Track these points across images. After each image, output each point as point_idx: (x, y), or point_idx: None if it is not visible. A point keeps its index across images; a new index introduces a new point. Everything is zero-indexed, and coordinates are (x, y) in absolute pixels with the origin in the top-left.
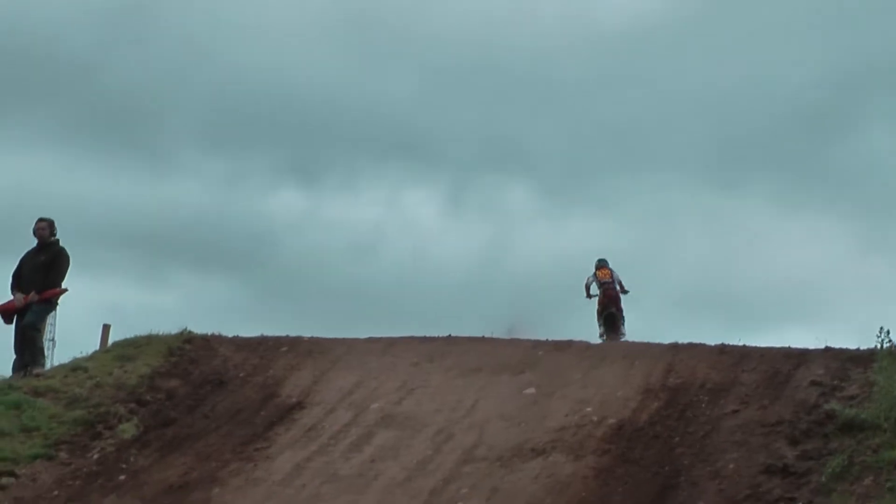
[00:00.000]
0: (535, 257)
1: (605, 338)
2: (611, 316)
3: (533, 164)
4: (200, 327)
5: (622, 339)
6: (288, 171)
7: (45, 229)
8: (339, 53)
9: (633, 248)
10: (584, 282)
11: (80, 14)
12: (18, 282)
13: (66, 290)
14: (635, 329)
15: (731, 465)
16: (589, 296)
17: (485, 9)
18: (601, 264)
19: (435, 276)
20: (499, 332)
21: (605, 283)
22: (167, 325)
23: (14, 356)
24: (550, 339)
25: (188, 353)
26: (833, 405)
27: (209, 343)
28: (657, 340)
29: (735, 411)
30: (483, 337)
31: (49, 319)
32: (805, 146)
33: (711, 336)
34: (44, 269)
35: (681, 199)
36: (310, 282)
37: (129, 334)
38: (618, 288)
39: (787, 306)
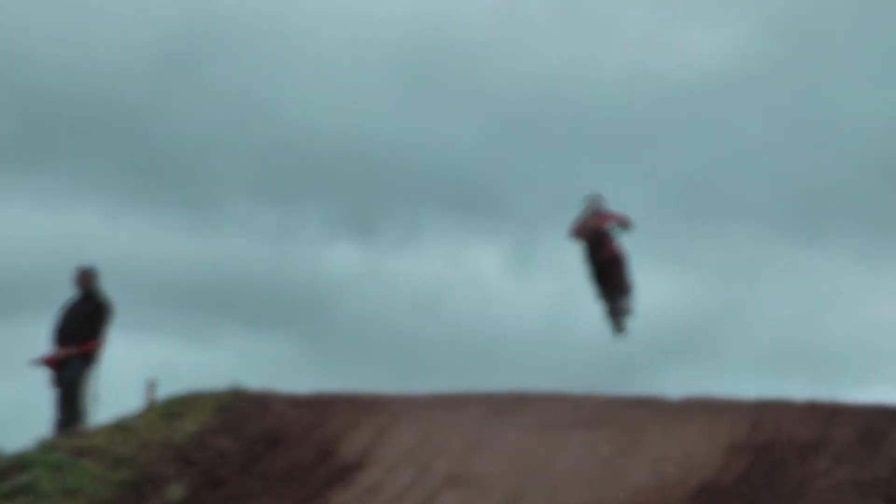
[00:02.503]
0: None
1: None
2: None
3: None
4: (253, 385)
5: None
6: (344, 223)
7: (85, 279)
8: (400, 101)
9: (711, 303)
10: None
11: (128, 64)
12: (59, 334)
13: (103, 344)
14: (715, 385)
15: None
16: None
17: (551, 57)
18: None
19: (501, 333)
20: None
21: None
22: (218, 383)
23: (54, 413)
24: (628, 393)
25: (240, 409)
26: None
27: (262, 399)
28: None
29: (827, 470)
30: (555, 391)
31: (91, 375)
32: (892, 194)
33: (797, 394)
34: (85, 321)
35: (760, 251)
36: (368, 339)
37: (177, 392)
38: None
39: (877, 363)
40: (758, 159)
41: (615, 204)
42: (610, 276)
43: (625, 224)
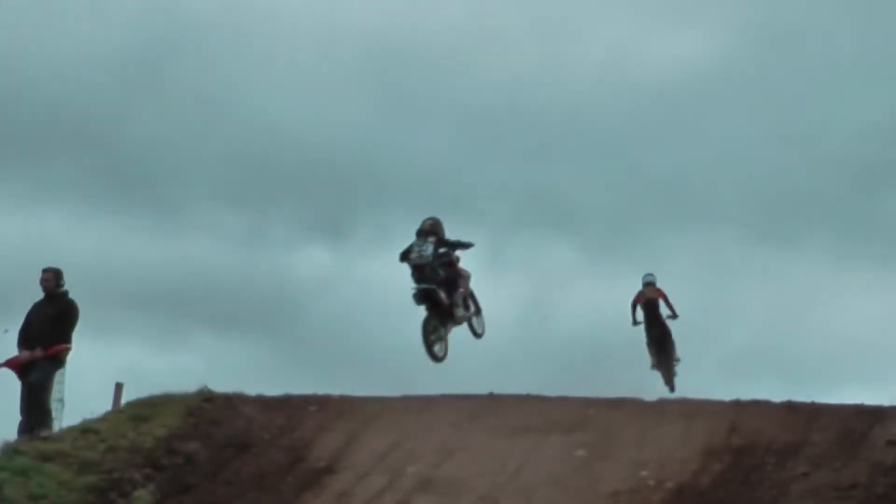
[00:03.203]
0: (582, 317)
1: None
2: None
3: (576, 221)
4: (223, 388)
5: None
6: (313, 227)
7: (50, 280)
8: (369, 105)
9: (684, 307)
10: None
11: (93, 67)
12: (25, 337)
13: (69, 347)
14: (691, 389)
15: None
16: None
17: (522, 62)
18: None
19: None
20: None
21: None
22: (186, 387)
23: (19, 417)
24: (603, 395)
25: (208, 413)
26: None
27: (231, 402)
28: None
29: (805, 474)
30: (529, 394)
31: (57, 378)
32: (862, 199)
33: (770, 397)
34: (51, 323)
35: (732, 255)
36: (340, 343)
37: (145, 395)
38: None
39: (852, 365)
40: (731, 163)
41: (582, 208)
42: (665, 349)
43: (673, 312)
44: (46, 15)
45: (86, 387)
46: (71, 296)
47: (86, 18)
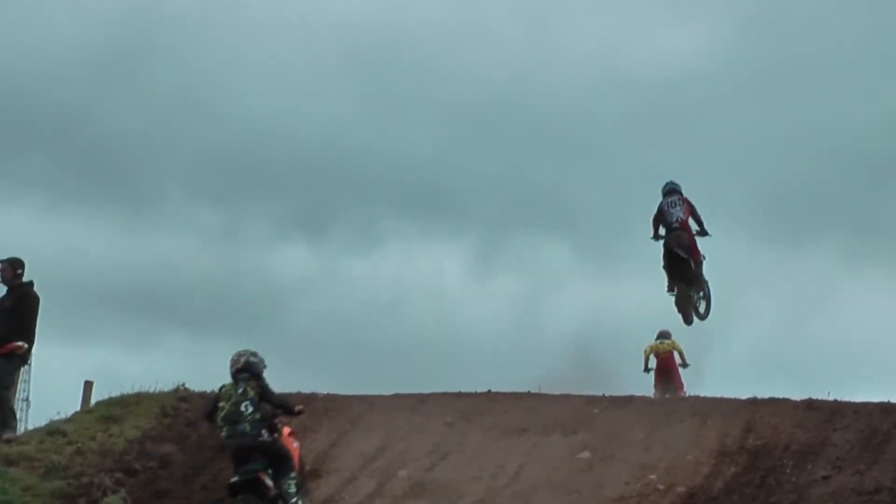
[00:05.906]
0: (580, 317)
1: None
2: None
3: (570, 219)
4: (199, 387)
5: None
6: (295, 225)
7: (6, 271)
8: (354, 100)
9: None
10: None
11: (70, 62)
12: None
13: (23, 345)
14: (703, 387)
15: None
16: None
17: (512, 57)
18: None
19: (465, 335)
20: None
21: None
22: (161, 386)
23: None
24: (607, 394)
25: (184, 413)
26: None
27: (208, 402)
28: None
29: (826, 477)
30: (528, 392)
31: (21, 376)
32: (871, 195)
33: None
34: (8, 317)
35: (737, 254)
36: (325, 342)
37: (116, 394)
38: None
39: (866, 367)
40: (732, 160)
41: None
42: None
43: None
44: (20, 8)
45: (54, 386)
46: (36, 288)
47: (61, 11)
